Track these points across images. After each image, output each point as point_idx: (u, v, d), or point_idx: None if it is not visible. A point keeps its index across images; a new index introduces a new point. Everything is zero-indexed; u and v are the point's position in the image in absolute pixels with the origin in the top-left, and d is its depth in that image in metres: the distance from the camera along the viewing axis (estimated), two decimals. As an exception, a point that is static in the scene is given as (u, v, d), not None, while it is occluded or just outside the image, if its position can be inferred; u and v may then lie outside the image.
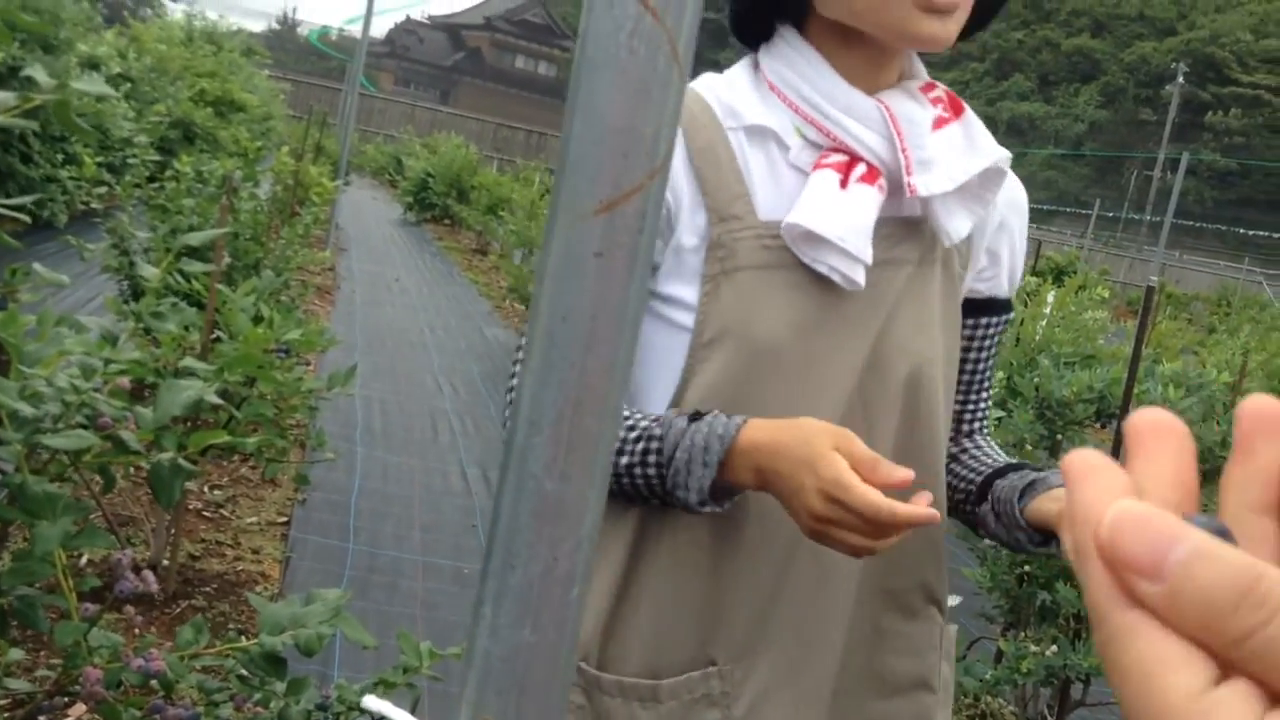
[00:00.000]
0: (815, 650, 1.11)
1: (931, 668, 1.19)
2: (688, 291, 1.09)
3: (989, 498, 1.17)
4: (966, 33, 1.10)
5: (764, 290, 1.06)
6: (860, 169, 1.06)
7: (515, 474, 0.63)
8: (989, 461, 1.24)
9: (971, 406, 1.28)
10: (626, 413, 1.08)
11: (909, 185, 1.05)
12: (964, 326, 1.21)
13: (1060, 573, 2.66)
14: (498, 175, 16.38)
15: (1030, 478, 1.13)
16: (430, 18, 77.72)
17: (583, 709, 1.10)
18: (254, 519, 3.87)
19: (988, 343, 1.25)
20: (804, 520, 0.96)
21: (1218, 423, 2.71)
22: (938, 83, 1.13)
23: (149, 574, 1.43)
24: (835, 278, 1.05)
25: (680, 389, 1.09)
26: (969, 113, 1.12)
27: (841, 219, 1.04)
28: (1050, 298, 6.56)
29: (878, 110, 1.07)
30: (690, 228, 1.09)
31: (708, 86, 1.15)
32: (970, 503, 1.21)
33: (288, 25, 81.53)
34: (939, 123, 1.08)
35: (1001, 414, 3.04)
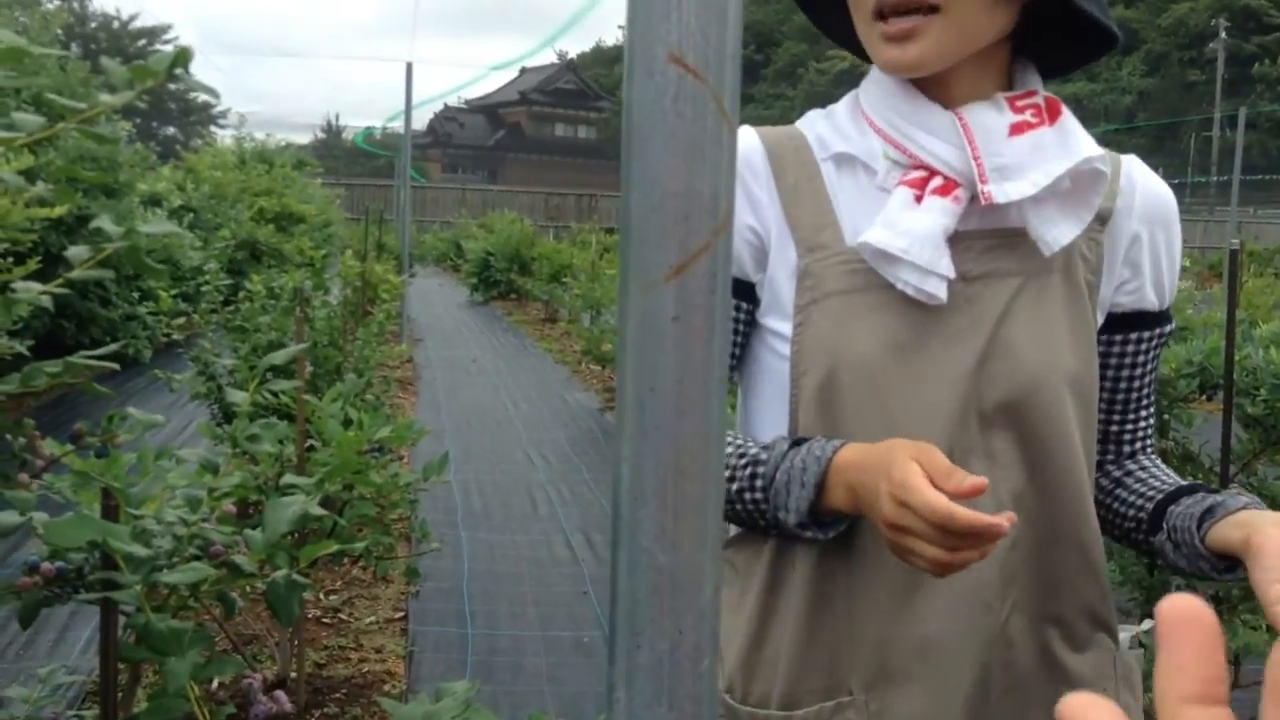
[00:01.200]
0: (954, 676, 1.08)
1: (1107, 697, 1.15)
2: (784, 324, 1.10)
3: (1164, 526, 1.11)
4: (1063, 69, 1.14)
5: (854, 313, 1.06)
6: (936, 182, 1.05)
7: (627, 550, 0.63)
8: (1157, 485, 1.17)
9: (1130, 426, 1.22)
10: (738, 440, 1.11)
11: (984, 194, 1.03)
12: (1112, 343, 1.17)
13: (1191, 556, 2.58)
14: (555, 243, 16.57)
15: (1207, 503, 1.07)
16: (467, 102, 79.27)
17: None
18: (372, 618, 3.90)
19: (1141, 359, 1.19)
20: (883, 531, 0.95)
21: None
22: (1039, 90, 1.10)
23: (281, 694, 1.44)
24: (910, 292, 1.04)
25: (791, 418, 1.10)
26: (1066, 118, 1.08)
27: (906, 230, 1.03)
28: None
29: (951, 122, 1.06)
30: (781, 261, 1.11)
31: (809, 122, 1.17)
32: (1143, 531, 1.15)
33: (333, 132, 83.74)
34: (1018, 128, 1.05)
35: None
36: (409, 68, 12.10)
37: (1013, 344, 1.07)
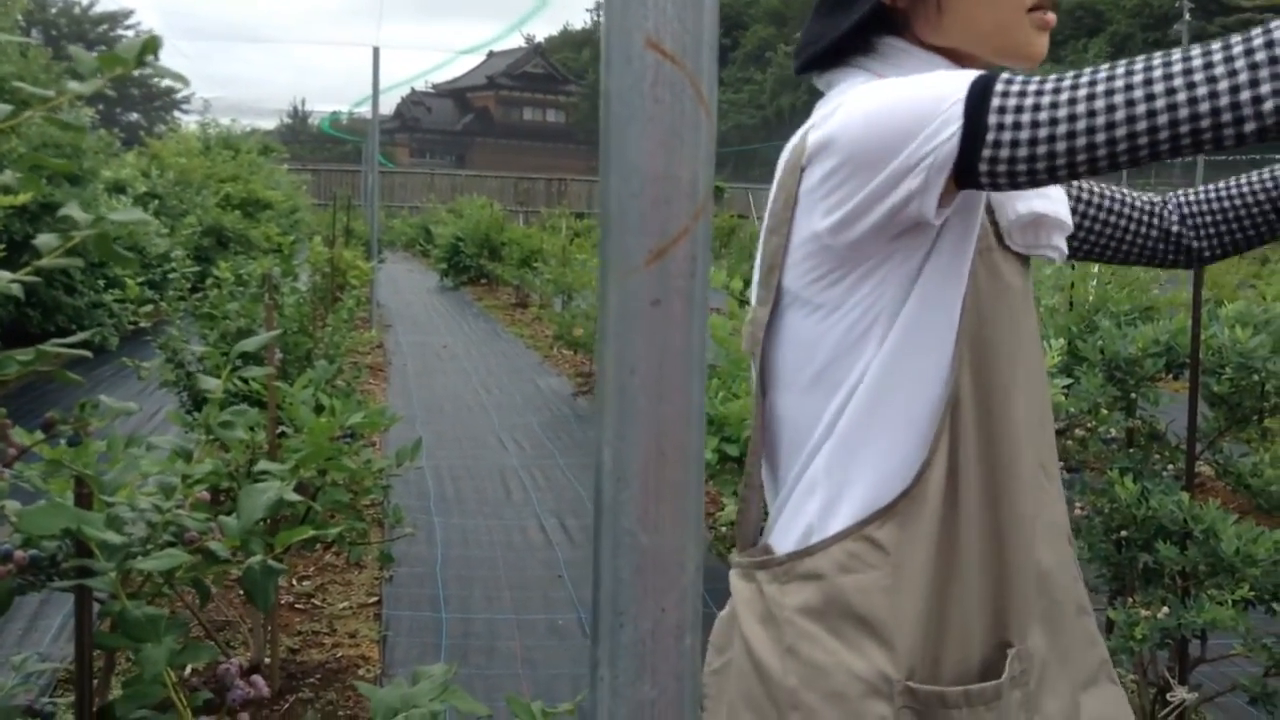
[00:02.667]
0: (1064, 603, 1.16)
1: (1082, 592, 1.24)
2: (960, 264, 1.16)
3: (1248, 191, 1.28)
4: None
5: (997, 272, 1.12)
6: None
7: (609, 532, 0.64)
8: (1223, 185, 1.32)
9: (1121, 204, 1.32)
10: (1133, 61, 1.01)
11: None
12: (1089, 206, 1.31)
13: (1158, 531, 2.61)
14: (525, 228, 16.51)
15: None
16: (435, 86, 78.71)
17: None
18: (345, 604, 3.90)
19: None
20: None
21: (1292, 355, 2.66)
22: None
23: (258, 678, 1.44)
24: (1054, 255, 1.15)
25: (953, 379, 1.08)
26: None
27: (1061, 199, 1.15)
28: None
29: None
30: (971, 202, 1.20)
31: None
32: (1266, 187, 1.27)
33: (299, 117, 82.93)
34: None
35: (1069, 381, 3.00)
36: (375, 52, 12.01)
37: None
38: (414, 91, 75.90)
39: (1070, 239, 1.29)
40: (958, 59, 1.15)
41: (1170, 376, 2.94)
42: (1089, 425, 2.79)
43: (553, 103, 76.07)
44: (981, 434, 1.08)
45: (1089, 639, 1.22)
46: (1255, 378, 2.71)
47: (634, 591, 0.63)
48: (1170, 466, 2.84)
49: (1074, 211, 1.28)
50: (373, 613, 3.84)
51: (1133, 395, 2.86)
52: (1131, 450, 2.90)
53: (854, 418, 1.09)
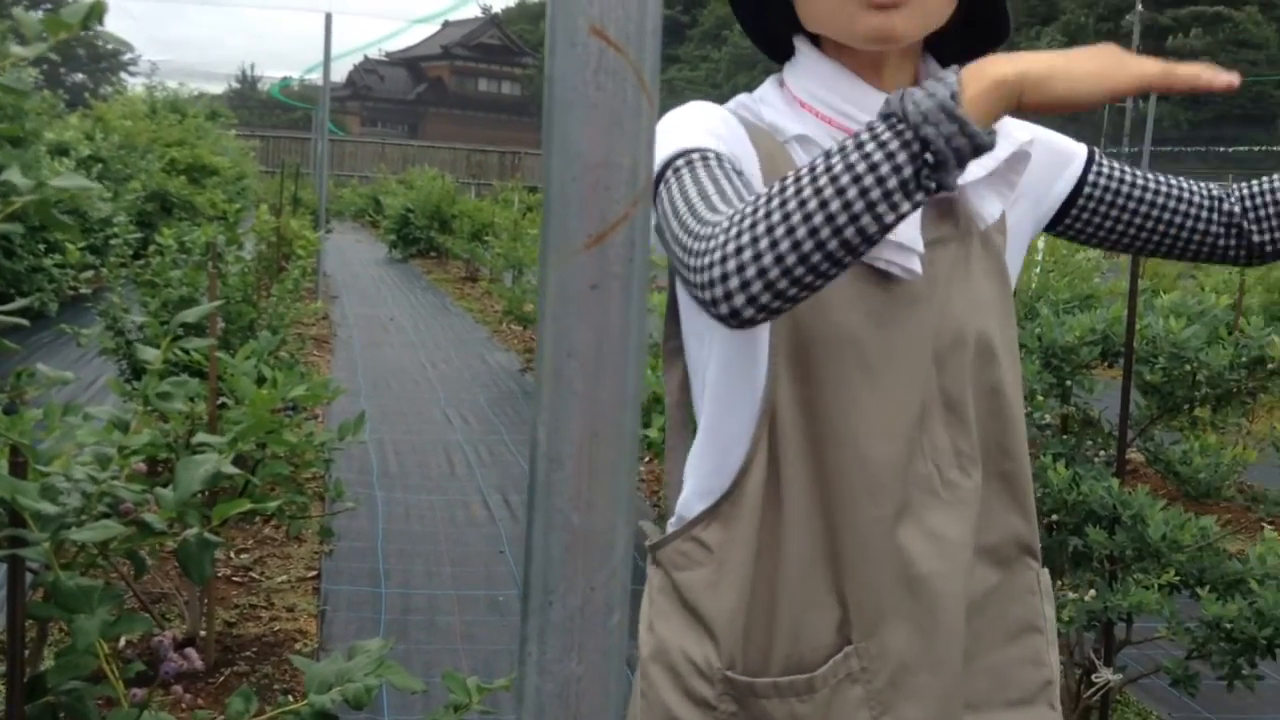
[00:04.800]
0: (942, 612, 1.14)
1: (1034, 610, 1.25)
2: None
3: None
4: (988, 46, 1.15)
5: (832, 288, 1.07)
6: None
7: (542, 510, 0.65)
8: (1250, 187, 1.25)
9: (1186, 190, 1.25)
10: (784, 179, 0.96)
11: None
12: (1092, 195, 1.24)
13: (1088, 516, 2.67)
14: (477, 201, 16.41)
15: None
16: (388, 54, 77.79)
17: (735, 715, 1.13)
18: (284, 577, 3.88)
19: (1114, 179, 1.24)
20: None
21: (1223, 346, 2.72)
22: None
23: (192, 651, 1.44)
24: (895, 270, 1.09)
25: (768, 393, 1.11)
26: None
27: None
28: (1041, 245, 6.57)
29: None
30: None
31: (749, 109, 1.19)
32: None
33: (248, 83, 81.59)
34: None
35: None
36: (328, 18, 11.85)
37: (958, 306, 1.14)
38: (367, 59, 75.00)
39: (1126, 233, 1.24)
40: (830, 46, 1.14)
41: (1105, 364, 3.00)
42: (1025, 411, 2.84)
43: (508, 75, 75.51)
44: (809, 442, 1.11)
45: (1032, 659, 1.23)
46: (1187, 368, 2.77)
47: (564, 570, 0.64)
48: (1102, 453, 2.91)
49: (1129, 201, 1.23)
50: (311, 587, 3.83)
51: (1068, 382, 2.92)
52: (1065, 436, 2.96)
53: (704, 419, 1.18)
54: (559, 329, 0.64)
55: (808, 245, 0.88)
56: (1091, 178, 1.24)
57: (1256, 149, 41.23)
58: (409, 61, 76.58)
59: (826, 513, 1.12)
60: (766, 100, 1.19)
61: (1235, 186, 1.27)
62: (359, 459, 5.31)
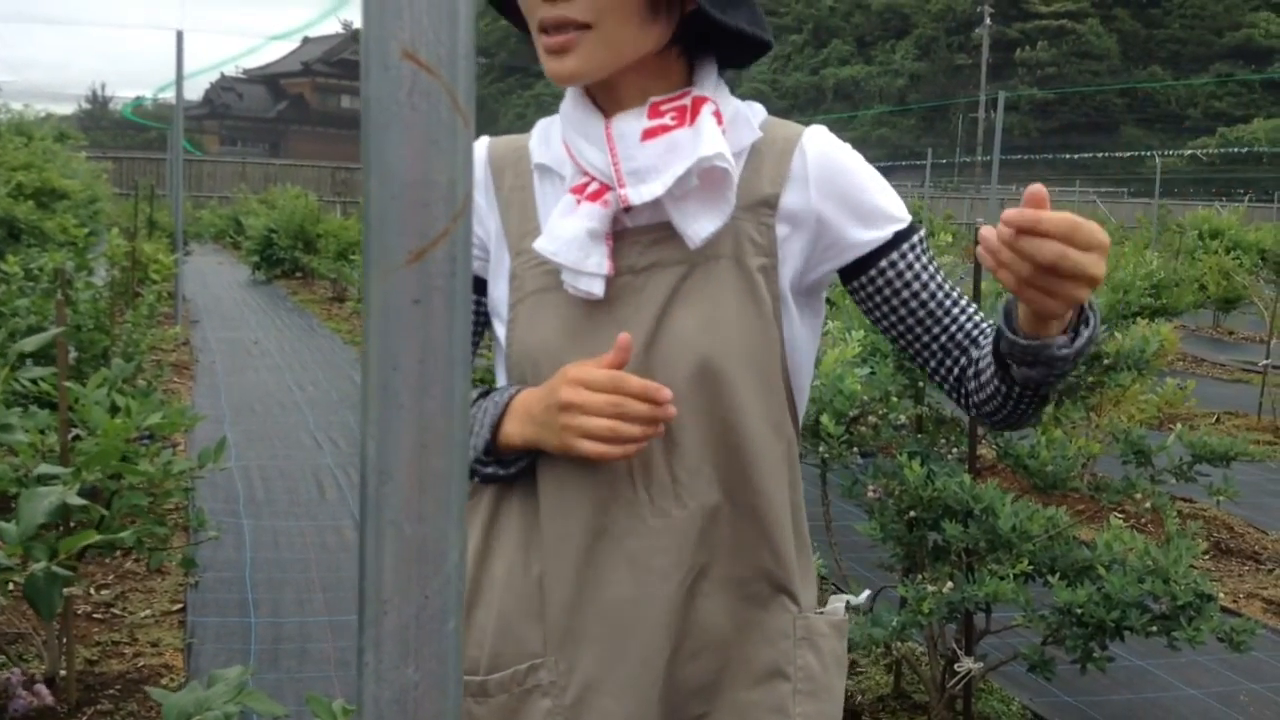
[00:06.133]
0: (635, 638, 1.15)
1: (785, 656, 1.20)
2: (502, 328, 1.21)
3: (1007, 364, 1.13)
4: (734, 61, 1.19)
5: (543, 310, 1.17)
6: (592, 187, 1.14)
7: (374, 523, 0.66)
8: (987, 351, 1.18)
9: (953, 324, 1.22)
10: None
11: (622, 196, 1.12)
12: (865, 283, 1.20)
13: (945, 512, 2.77)
14: (342, 220, 16.14)
15: (1002, 315, 1.11)
16: (246, 71, 75.98)
17: None
18: (147, 612, 3.76)
19: (907, 275, 1.20)
20: (556, 424, 1.09)
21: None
22: (691, 90, 1.15)
23: (42, 688, 1.40)
24: (571, 291, 1.14)
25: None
26: (702, 117, 1.12)
27: (556, 236, 1.13)
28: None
29: (600, 128, 1.15)
30: (499, 264, 1.22)
31: (538, 129, 1.25)
32: (1007, 383, 1.15)
33: (99, 103, 78.74)
34: (651, 133, 1.12)
35: (868, 371, 3.15)
36: (179, 36, 11.53)
37: (681, 326, 1.14)
38: (224, 77, 73.12)
39: (891, 330, 1.23)
40: (588, 94, 1.19)
41: (956, 365, 3.12)
42: (881, 412, 2.94)
43: (371, 93, 74.23)
44: (529, 454, 1.17)
45: (775, 707, 1.19)
46: (1030, 366, 2.90)
47: (397, 580, 0.65)
48: (955, 450, 3.02)
49: (905, 305, 1.20)
50: (177, 620, 3.72)
51: (920, 384, 3.03)
52: (920, 435, 3.07)
53: None
54: (383, 343, 0.65)
55: None
56: (884, 263, 1.20)
57: (1100, 155, 43.19)
58: (268, 78, 74.96)
59: (528, 528, 1.18)
60: (553, 121, 1.23)
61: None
62: (224, 487, 5.18)
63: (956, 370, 1.24)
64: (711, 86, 1.17)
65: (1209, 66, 67.80)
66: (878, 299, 1.22)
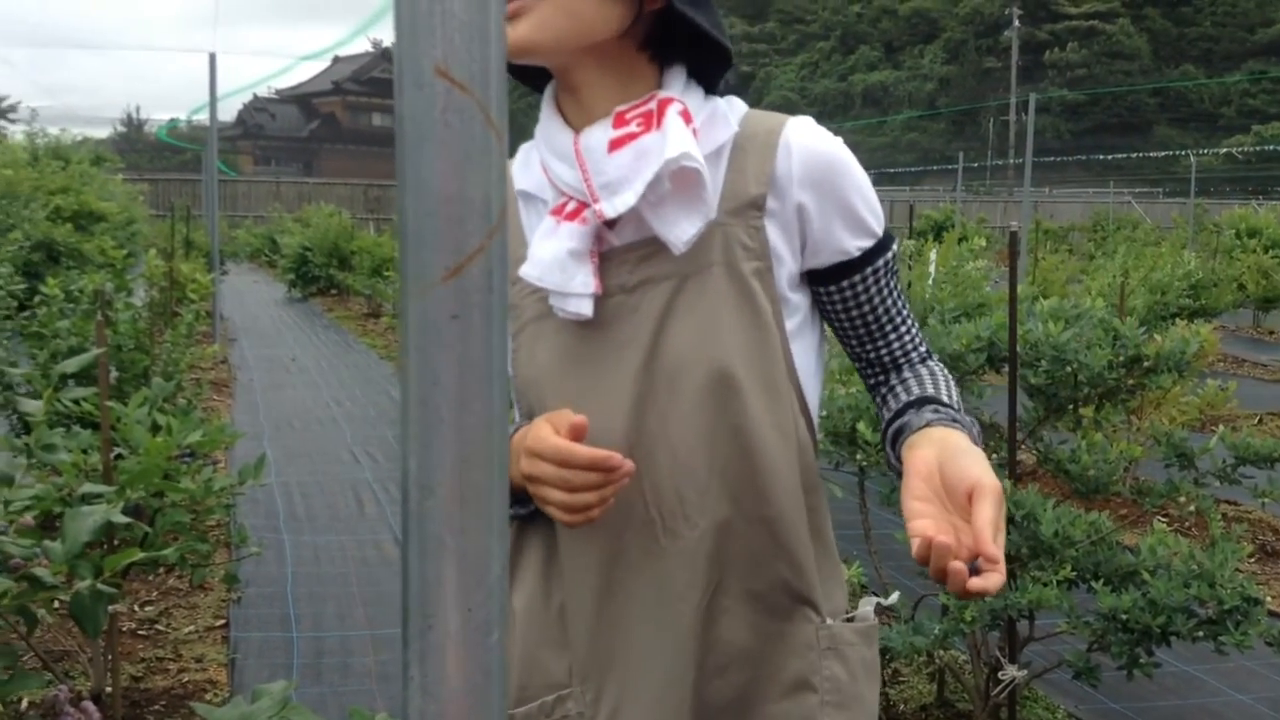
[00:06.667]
0: (658, 661, 1.15)
1: (811, 667, 1.20)
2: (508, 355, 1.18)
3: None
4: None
5: (540, 338, 1.15)
6: (570, 206, 1.12)
7: (417, 537, 0.66)
8: (894, 405, 1.21)
9: (885, 348, 1.25)
10: None
11: (597, 211, 1.09)
12: (831, 292, 1.20)
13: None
14: (376, 236, 16.26)
15: (899, 424, 1.16)
16: (278, 92, 76.73)
17: None
18: (191, 628, 3.80)
19: (866, 295, 1.21)
20: (530, 491, 1.06)
21: (1100, 347, 2.83)
22: (656, 94, 1.12)
23: (89, 705, 1.42)
24: (561, 314, 1.12)
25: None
26: (669, 119, 1.09)
27: (537, 259, 1.11)
28: (933, 256, 6.73)
29: (569, 145, 1.12)
30: None
31: (520, 153, 1.23)
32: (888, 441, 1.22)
33: (134, 126, 79.81)
34: (617, 143, 1.09)
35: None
36: (212, 58, 11.67)
37: (679, 340, 1.12)
38: (257, 98, 73.88)
39: (844, 341, 1.27)
40: (560, 81, 1.16)
41: (993, 370, 3.10)
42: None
43: (402, 109, 74.80)
44: None
45: (803, 718, 1.19)
46: (1068, 369, 2.88)
47: (440, 594, 0.66)
48: (995, 455, 2.99)
49: (845, 323, 1.24)
50: (220, 636, 3.75)
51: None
52: (959, 441, 3.04)
53: None
54: (422, 359, 0.66)
55: None
56: (859, 276, 1.20)
57: (1133, 155, 42.78)
58: (300, 98, 75.68)
59: (547, 553, 1.17)
60: (532, 147, 1.20)
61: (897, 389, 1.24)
62: (265, 503, 5.23)
63: (873, 382, 1.29)
64: (679, 88, 1.13)
65: (1242, 64, 67.05)
66: (840, 306, 1.22)
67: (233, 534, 3.48)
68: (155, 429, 2.84)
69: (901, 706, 3.28)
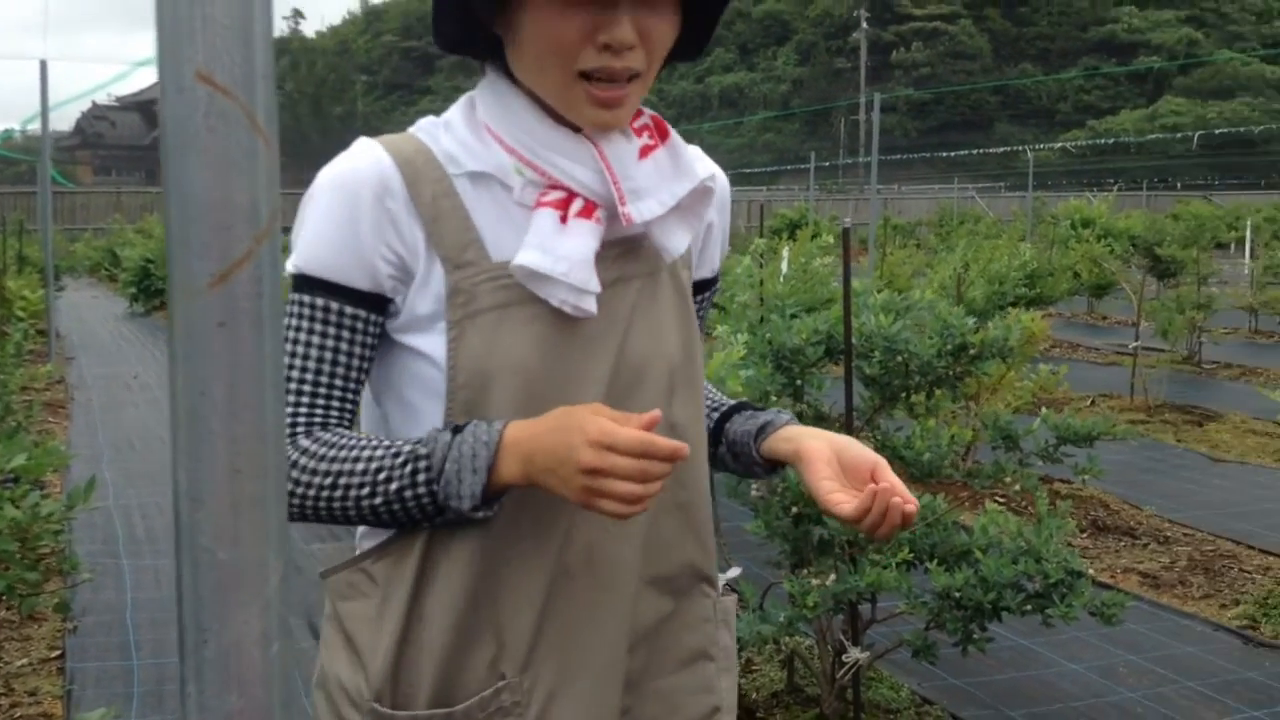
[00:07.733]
0: (595, 649, 1.18)
1: (709, 638, 1.30)
2: (433, 341, 1.13)
3: (723, 441, 1.34)
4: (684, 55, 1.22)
5: (508, 327, 1.12)
6: (578, 204, 1.13)
7: (188, 551, 0.65)
8: (715, 406, 1.38)
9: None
10: (384, 441, 1.12)
11: (625, 215, 1.13)
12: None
13: (827, 508, 2.82)
14: (223, 246, 15.73)
15: (759, 420, 1.31)
16: (119, 99, 73.83)
17: None
18: (24, 660, 3.63)
19: (700, 312, 1.35)
20: (576, 483, 1.04)
21: (928, 336, 2.93)
22: (644, 109, 1.20)
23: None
24: (567, 309, 1.12)
25: (446, 423, 1.13)
26: (675, 136, 1.20)
27: (564, 255, 1.10)
28: (785, 253, 6.88)
29: (588, 147, 1.14)
30: (426, 279, 1.13)
31: (428, 133, 1.18)
32: (710, 444, 1.34)
33: (-40, 135, 75.77)
34: (644, 151, 1.16)
35: (749, 372, 3.19)
36: (43, 65, 11.16)
37: (641, 339, 1.19)
38: (96, 105, 70.98)
39: None
40: (546, 108, 1.15)
41: (832, 362, 3.18)
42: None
43: (249, 115, 72.72)
44: None
45: (703, 687, 1.28)
46: (900, 359, 2.98)
47: (215, 607, 0.65)
48: (834, 446, 3.07)
49: None
50: (56, 667, 3.59)
51: (799, 381, 3.08)
52: (800, 433, 3.11)
53: None
54: (189, 368, 0.65)
55: (339, 520, 1.14)
56: (700, 297, 1.35)
57: (976, 152, 44.45)
58: (142, 105, 72.92)
59: (491, 550, 1.14)
60: (452, 125, 1.18)
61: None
62: (103, 527, 5.02)
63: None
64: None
65: (1077, 61, 70.25)
66: None
67: (65, 561, 3.34)
68: (-26, 453, 2.71)
69: (754, 695, 3.34)
